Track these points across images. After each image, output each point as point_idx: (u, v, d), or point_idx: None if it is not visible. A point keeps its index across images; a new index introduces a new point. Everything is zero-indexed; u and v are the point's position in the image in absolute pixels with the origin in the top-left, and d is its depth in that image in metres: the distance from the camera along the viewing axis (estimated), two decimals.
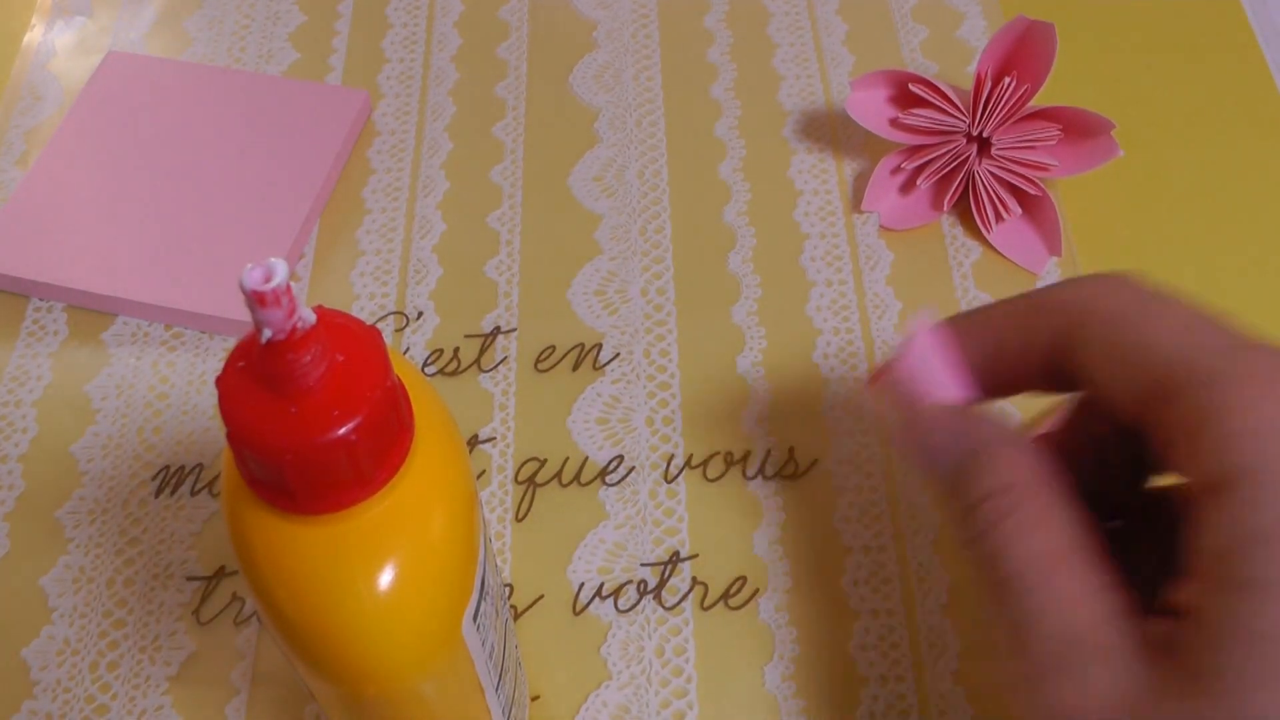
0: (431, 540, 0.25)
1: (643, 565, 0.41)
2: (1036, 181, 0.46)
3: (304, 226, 0.48)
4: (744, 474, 0.42)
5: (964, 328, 0.32)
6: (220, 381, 0.23)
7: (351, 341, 0.23)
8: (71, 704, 0.39)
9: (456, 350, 0.46)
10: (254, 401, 0.22)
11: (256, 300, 0.21)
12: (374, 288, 0.47)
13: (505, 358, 0.45)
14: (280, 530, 0.24)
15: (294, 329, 0.21)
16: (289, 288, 0.21)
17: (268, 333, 0.21)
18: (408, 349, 0.46)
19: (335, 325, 0.23)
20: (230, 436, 0.23)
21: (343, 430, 0.22)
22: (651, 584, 0.40)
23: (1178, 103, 0.51)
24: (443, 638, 0.27)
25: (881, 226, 0.48)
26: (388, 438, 0.24)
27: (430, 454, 0.25)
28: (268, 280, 0.20)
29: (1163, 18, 0.54)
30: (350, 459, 0.23)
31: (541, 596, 0.40)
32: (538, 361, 0.45)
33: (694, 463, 0.43)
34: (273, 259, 0.21)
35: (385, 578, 0.24)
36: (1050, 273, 0.47)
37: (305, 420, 0.22)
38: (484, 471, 0.43)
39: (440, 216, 0.49)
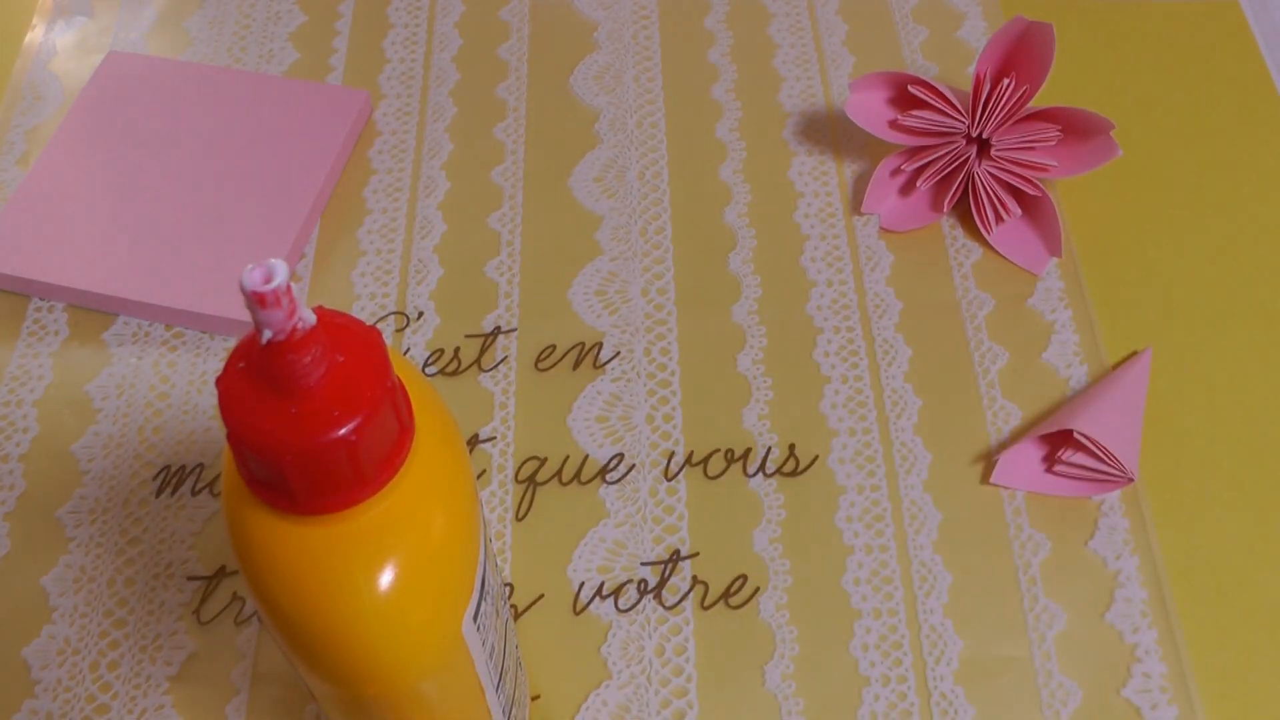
0: (431, 540, 0.25)
1: (643, 564, 0.41)
2: (1036, 182, 0.46)
3: (304, 226, 0.48)
4: (744, 471, 0.42)
5: None
6: (221, 382, 0.23)
7: (352, 342, 0.23)
8: (72, 703, 0.39)
9: (457, 350, 0.46)
10: (254, 402, 0.22)
11: (257, 301, 0.21)
12: (374, 288, 0.47)
13: (505, 357, 0.45)
14: (280, 530, 0.24)
15: (294, 329, 0.21)
16: (289, 288, 0.21)
17: (268, 333, 0.21)
18: (408, 349, 0.46)
19: (335, 325, 0.23)
20: (230, 437, 0.23)
21: (343, 430, 0.22)
22: (652, 583, 0.40)
23: (1178, 103, 0.51)
24: (443, 638, 0.27)
25: (882, 228, 0.48)
26: (388, 438, 0.24)
27: (430, 454, 0.25)
28: (268, 281, 0.20)
29: (1162, 18, 0.54)
30: (350, 459, 0.23)
31: (542, 596, 0.40)
32: (538, 361, 0.45)
33: (694, 460, 0.43)
34: (273, 260, 0.21)
35: (385, 578, 0.25)
36: (1050, 273, 0.47)
37: (305, 420, 0.22)
38: (484, 471, 0.43)
39: (441, 217, 0.49)
